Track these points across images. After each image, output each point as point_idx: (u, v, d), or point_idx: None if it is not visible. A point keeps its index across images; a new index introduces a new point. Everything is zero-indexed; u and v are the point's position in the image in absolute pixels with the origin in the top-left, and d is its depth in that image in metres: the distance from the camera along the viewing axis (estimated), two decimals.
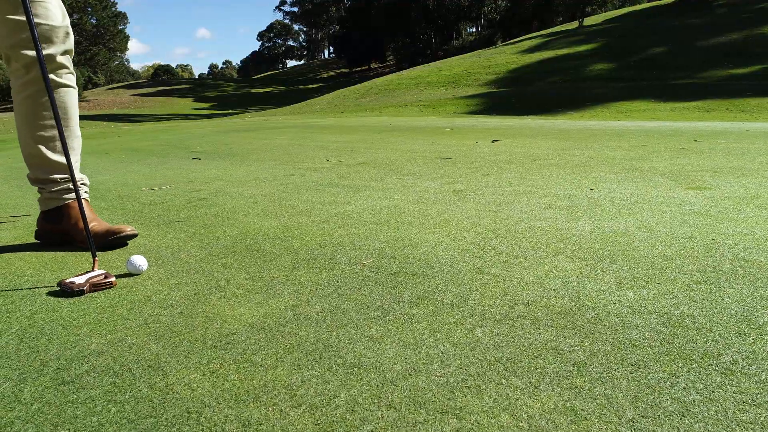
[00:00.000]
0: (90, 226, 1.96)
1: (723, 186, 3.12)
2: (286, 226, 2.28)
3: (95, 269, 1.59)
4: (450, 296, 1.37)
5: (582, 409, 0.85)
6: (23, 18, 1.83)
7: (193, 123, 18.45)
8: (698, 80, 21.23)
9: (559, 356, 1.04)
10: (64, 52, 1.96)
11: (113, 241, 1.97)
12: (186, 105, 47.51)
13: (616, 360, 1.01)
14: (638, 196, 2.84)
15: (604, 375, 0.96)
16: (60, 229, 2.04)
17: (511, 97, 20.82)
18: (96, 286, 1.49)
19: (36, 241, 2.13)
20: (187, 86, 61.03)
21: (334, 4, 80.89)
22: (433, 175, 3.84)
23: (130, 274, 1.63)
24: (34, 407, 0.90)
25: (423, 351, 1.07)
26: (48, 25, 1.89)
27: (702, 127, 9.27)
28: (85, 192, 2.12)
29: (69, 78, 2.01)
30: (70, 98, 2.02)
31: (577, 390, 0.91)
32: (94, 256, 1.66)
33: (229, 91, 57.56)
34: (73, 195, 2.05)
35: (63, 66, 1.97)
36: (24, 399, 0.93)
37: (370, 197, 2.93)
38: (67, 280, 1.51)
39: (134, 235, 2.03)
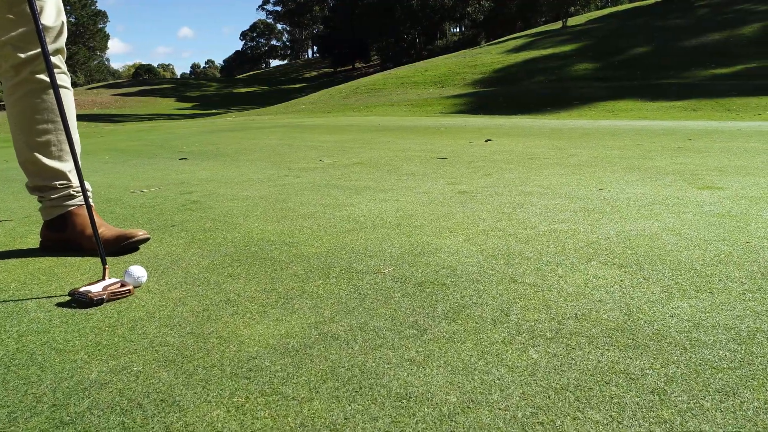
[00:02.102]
0: (99, 232, 1.86)
1: (734, 185, 3.04)
2: (291, 230, 2.13)
3: (107, 277, 1.46)
4: (489, 310, 1.25)
5: None
6: (13, 16, 1.72)
7: (177, 123, 18.14)
8: (682, 80, 21.41)
9: (632, 382, 0.91)
10: (55, 52, 1.84)
11: (126, 246, 1.86)
12: (168, 105, 46.83)
13: (699, 386, 0.89)
14: (651, 196, 2.74)
15: (692, 406, 0.84)
16: (65, 237, 1.92)
17: (498, 96, 20.81)
18: (115, 295, 1.37)
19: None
20: (170, 86, 60.21)
21: (318, 4, 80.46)
22: (433, 175, 3.72)
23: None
24: None
25: (476, 378, 0.94)
26: (41, 24, 1.76)
27: (692, 126, 9.28)
28: (89, 197, 2.01)
29: (62, 78, 1.89)
30: (65, 100, 1.89)
31: (668, 426, 0.79)
32: (104, 264, 1.51)
33: (212, 90, 56.90)
34: (75, 201, 1.94)
35: (54, 65, 1.84)
36: None
37: (374, 199, 2.80)
38: (81, 289, 1.37)
39: (147, 239, 1.93)
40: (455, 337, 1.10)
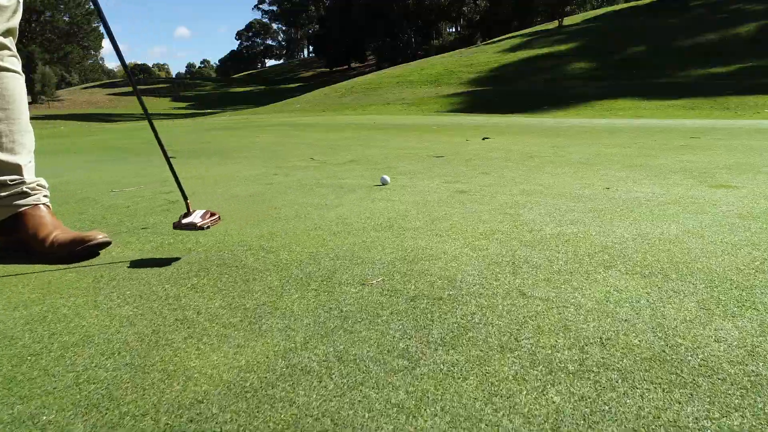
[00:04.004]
0: (53, 235, 1.67)
1: (749, 184, 2.84)
2: (272, 233, 1.92)
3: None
4: (495, 332, 1.03)
5: None
6: None
7: (173, 122, 17.89)
8: (679, 79, 21.30)
9: None
10: (7, 33, 1.64)
11: (81, 251, 1.63)
12: (163, 104, 46.47)
13: None
14: (662, 195, 2.54)
15: None
16: (15, 240, 1.72)
17: (494, 95, 20.63)
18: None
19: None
20: (165, 85, 59.79)
21: (314, 3, 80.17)
22: (429, 173, 3.51)
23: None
24: None
25: (482, 430, 0.73)
26: None
27: (691, 124, 9.11)
28: (45, 196, 1.80)
29: (11, 61, 1.69)
30: (14, 84, 1.69)
31: None
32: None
33: (208, 90, 56.56)
34: (28, 201, 1.73)
35: (4, 47, 1.65)
36: None
37: (364, 198, 2.59)
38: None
39: (107, 243, 1.69)
40: (454, 370, 0.89)
